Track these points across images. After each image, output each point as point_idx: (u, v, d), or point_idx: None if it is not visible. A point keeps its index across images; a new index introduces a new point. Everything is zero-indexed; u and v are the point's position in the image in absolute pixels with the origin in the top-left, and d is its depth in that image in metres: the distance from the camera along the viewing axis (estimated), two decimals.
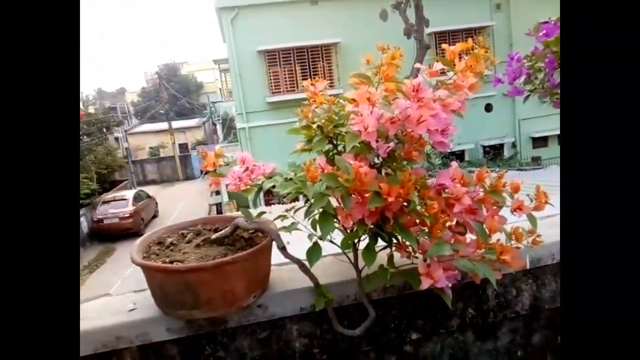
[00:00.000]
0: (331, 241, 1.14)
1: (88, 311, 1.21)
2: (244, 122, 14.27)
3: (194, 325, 1.17)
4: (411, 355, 1.37)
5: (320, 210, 1.05)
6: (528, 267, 1.37)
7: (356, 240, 1.14)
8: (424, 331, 1.35)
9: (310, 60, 14.30)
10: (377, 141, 1.03)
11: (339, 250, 1.18)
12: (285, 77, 14.28)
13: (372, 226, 1.07)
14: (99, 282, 12.61)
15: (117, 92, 45.70)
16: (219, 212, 17.05)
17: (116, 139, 28.22)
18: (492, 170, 1.19)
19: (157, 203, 19.50)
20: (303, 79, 13.69)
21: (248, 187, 1.08)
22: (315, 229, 1.13)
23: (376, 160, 1.13)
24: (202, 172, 1.23)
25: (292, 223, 1.18)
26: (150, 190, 21.25)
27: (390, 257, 1.15)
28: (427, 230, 1.07)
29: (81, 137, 19.86)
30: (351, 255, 1.17)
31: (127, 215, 16.22)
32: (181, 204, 20.31)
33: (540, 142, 15.33)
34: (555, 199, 1.14)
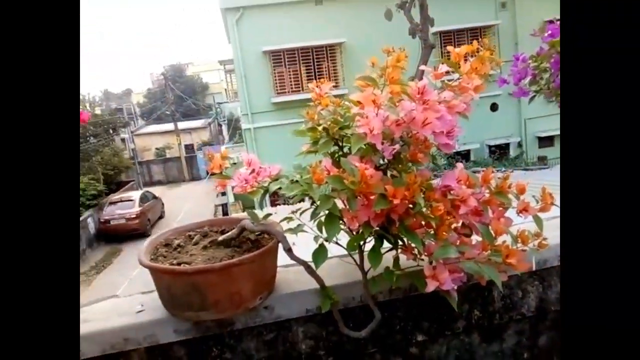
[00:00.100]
0: (337, 243, 1.14)
1: (96, 312, 1.22)
2: (250, 123, 14.30)
3: (201, 327, 1.18)
4: (417, 357, 1.37)
5: (326, 212, 1.05)
6: (534, 268, 1.37)
7: (362, 242, 1.14)
8: (429, 333, 1.35)
9: (315, 61, 14.30)
10: (382, 143, 1.03)
11: (345, 252, 1.18)
12: (290, 78, 14.29)
13: (377, 228, 1.08)
14: (105, 283, 12.69)
15: (123, 93, 45.96)
16: (225, 212, 17.11)
17: (122, 140, 28.34)
18: (498, 170, 1.19)
19: (163, 204, 19.59)
20: (308, 79, 13.76)
21: (254, 189, 1.09)
22: (321, 231, 1.13)
23: (381, 162, 1.13)
24: (207, 173, 1.24)
25: (298, 225, 1.18)
26: (156, 191, 21.35)
27: (396, 259, 1.15)
28: (432, 232, 1.07)
29: (88, 139, 19.98)
30: (357, 257, 1.18)
31: (134, 216, 16.30)
32: (187, 204, 20.38)
33: (546, 141, 15.23)
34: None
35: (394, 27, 9.92)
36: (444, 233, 1.05)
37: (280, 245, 1.15)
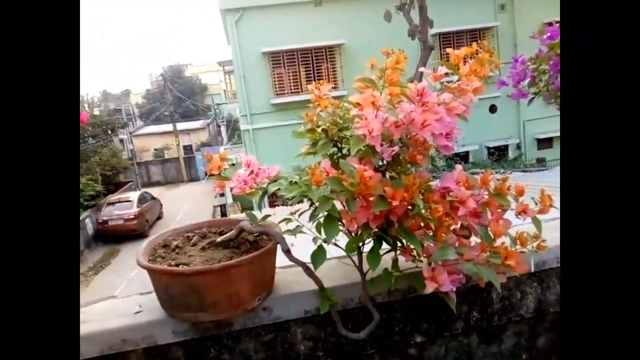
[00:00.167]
0: (336, 244, 1.14)
1: (94, 313, 1.22)
2: (248, 124, 14.29)
3: (200, 328, 1.17)
4: (416, 359, 1.37)
5: (325, 213, 1.05)
6: (533, 270, 1.37)
7: (361, 244, 1.14)
8: (428, 334, 1.35)
9: (314, 62, 14.31)
10: (381, 145, 1.03)
11: (344, 254, 1.18)
12: (290, 79, 14.29)
13: (376, 230, 1.08)
14: (103, 284, 12.66)
15: (121, 94, 45.94)
16: (223, 213, 17.11)
17: (121, 140, 28.34)
18: (496, 172, 1.19)
19: (161, 204, 19.57)
20: (307, 81, 13.77)
21: (253, 190, 1.09)
22: (319, 232, 1.13)
23: (380, 164, 1.13)
24: (206, 173, 1.24)
25: (297, 226, 1.18)
26: (154, 191, 21.34)
27: (395, 261, 1.15)
28: (431, 233, 1.07)
29: (86, 139, 19.95)
30: (356, 258, 1.18)
31: (132, 216, 16.27)
32: (186, 205, 20.37)
33: (545, 143, 15.26)
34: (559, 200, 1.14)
35: (393, 29, 9.93)
36: (443, 235, 1.05)
37: (279, 246, 1.15)
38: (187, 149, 30.33)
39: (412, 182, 1.00)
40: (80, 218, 15.57)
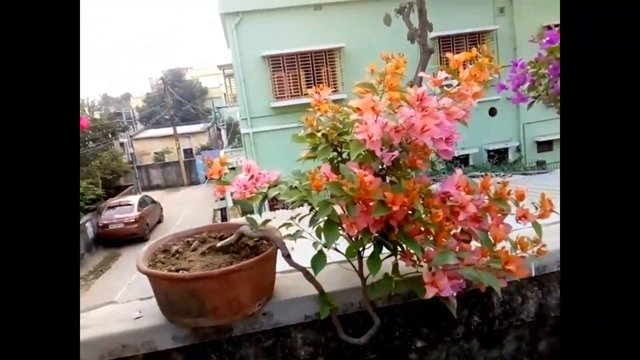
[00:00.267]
0: (336, 249, 1.14)
1: (94, 319, 1.21)
2: (248, 127, 14.30)
3: (200, 333, 1.17)
4: None
5: (325, 218, 1.05)
6: (533, 274, 1.37)
7: (361, 249, 1.14)
8: (429, 339, 1.35)
9: (314, 65, 14.33)
10: (381, 149, 1.04)
11: (344, 258, 1.18)
12: (290, 82, 14.31)
13: (376, 234, 1.08)
14: (104, 288, 12.65)
15: (122, 97, 46.03)
16: (224, 216, 17.10)
17: (121, 144, 28.33)
18: (496, 175, 1.19)
19: (162, 208, 19.56)
20: (307, 84, 13.78)
21: (253, 195, 1.09)
22: (320, 237, 1.13)
23: (380, 169, 1.13)
24: (206, 177, 1.24)
25: (297, 231, 1.18)
26: (155, 195, 21.33)
27: (395, 266, 1.15)
28: (431, 238, 1.07)
29: (87, 143, 19.97)
30: (356, 263, 1.17)
31: (132, 220, 16.26)
32: (186, 209, 20.37)
33: (545, 146, 15.25)
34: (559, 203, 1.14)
35: (393, 32, 9.95)
36: (443, 239, 1.05)
37: (279, 251, 1.15)
38: (188, 152, 30.35)
39: (412, 186, 1.00)
40: (81, 222, 15.57)
